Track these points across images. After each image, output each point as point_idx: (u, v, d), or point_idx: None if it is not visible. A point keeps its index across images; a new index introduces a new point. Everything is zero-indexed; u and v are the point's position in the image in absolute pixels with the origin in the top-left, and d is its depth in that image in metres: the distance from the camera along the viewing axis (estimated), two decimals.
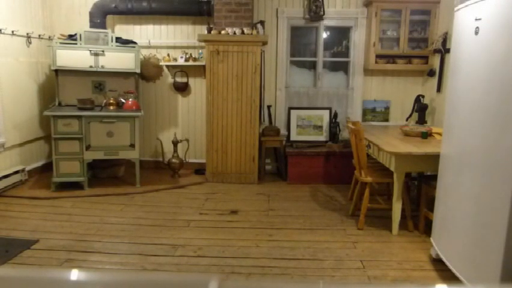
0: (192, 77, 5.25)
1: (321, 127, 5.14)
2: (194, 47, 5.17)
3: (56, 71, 4.57)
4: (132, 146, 4.46)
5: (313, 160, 4.86)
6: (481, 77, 2.31)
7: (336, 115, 5.07)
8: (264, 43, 4.79)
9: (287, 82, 5.27)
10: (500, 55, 2.13)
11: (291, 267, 2.84)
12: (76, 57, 4.49)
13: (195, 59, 5.09)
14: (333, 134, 5.05)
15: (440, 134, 3.52)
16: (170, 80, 5.28)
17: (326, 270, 2.81)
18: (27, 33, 4.59)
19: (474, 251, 2.35)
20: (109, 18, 5.03)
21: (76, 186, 4.37)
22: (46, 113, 4.29)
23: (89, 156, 4.36)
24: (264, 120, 5.16)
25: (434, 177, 3.16)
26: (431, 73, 4.84)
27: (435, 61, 4.73)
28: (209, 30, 4.66)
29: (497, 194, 2.12)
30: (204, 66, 4.92)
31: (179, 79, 5.25)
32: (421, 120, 4.68)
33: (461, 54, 2.60)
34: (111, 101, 4.55)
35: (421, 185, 3.59)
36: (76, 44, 4.50)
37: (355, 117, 5.11)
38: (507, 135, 2.05)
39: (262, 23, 4.78)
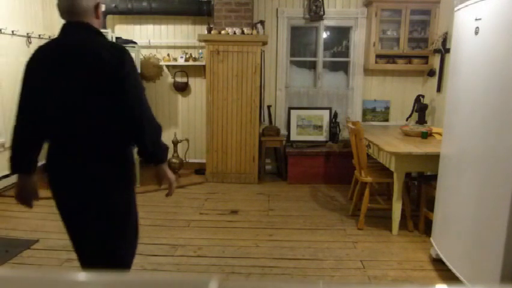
0: (192, 77, 5.25)
1: (321, 127, 5.13)
2: (194, 47, 5.17)
3: None
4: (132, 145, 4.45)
5: (313, 160, 4.86)
6: (481, 77, 2.31)
7: (336, 115, 5.07)
8: (264, 43, 4.79)
9: (287, 82, 5.27)
10: (500, 55, 2.13)
11: (291, 267, 2.84)
12: None
13: (195, 59, 5.09)
14: (333, 134, 5.05)
15: (440, 134, 3.52)
16: (170, 80, 5.28)
17: (325, 270, 2.81)
18: (27, 33, 4.59)
19: (474, 251, 2.35)
20: (109, 18, 5.03)
21: None
22: None
23: None
24: (264, 120, 5.16)
25: (434, 177, 3.16)
26: (431, 73, 4.84)
27: (436, 61, 4.73)
28: (209, 30, 4.66)
29: (497, 194, 2.12)
30: (204, 66, 4.93)
31: (179, 79, 5.26)
32: (421, 120, 4.68)
33: (461, 54, 2.60)
34: None
35: (421, 185, 3.59)
36: None
37: (355, 117, 5.11)
38: (507, 135, 2.05)
39: (262, 23, 4.78)
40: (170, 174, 1.88)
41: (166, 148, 1.87)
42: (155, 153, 1.81)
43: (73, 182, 1.74)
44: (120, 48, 1.71)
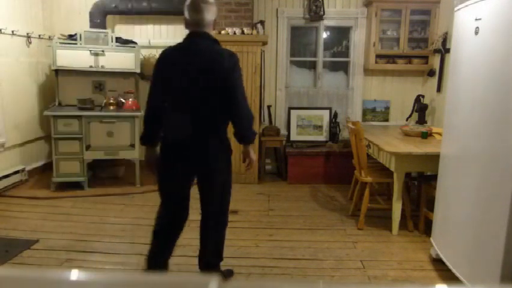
0: None
1: (321, 127, 5.13)
2: None
3: (56, 71, 4.56)
4: (132, 146, 4.46)
5: (313, 160, 4.86)
6: (481, 77, 2.31)
7: (336, 115, 5.07)
8: (264, 43, 4.79)
9: (287, 82, 5.27)
10: (500, 55, 2.13)
11: (291, 267, 2.84)
12: (76, 57, 4.49)
13: None
14: (333, 134, 5.05)
15: (440, 134, 3.52)
16: None
17: (325, 270, 2.81)
18: (27, 33, 4.59)
19: (474, 251, 2.35)
20: (109, 18, 5.02)
21: (76, 186, 4.37)
22: (46, 113, 4.29)
23: (89, 156, 4.36)
24: (264, 120, 5.16)
25: (434, 177, 3.16)
26: (431, 73, 4.84)
27: (435, 61, 4.73)
28: None
29: (497, 194, 2.12)
30: None
31: None
32: (421, 120, 4.68)
33: (461, 54, 2.60)
34: (111, 101, 4.55)
35: (421, 185, 3.59)
36: (76, 44, 4.50)
37: (355, 117, 5.11)
38: (507, 135, 2.05)
39: (262, 23, 4.77)
40: (253, 154, 2.44)
41: (254, 134, 2.34)
42: (245, 136, 2.31)
43: (191, 154, 2.27)
44: (232, 54, 2.23)
